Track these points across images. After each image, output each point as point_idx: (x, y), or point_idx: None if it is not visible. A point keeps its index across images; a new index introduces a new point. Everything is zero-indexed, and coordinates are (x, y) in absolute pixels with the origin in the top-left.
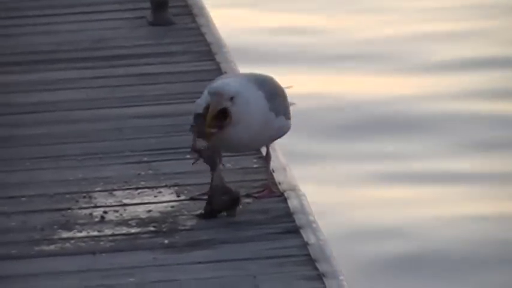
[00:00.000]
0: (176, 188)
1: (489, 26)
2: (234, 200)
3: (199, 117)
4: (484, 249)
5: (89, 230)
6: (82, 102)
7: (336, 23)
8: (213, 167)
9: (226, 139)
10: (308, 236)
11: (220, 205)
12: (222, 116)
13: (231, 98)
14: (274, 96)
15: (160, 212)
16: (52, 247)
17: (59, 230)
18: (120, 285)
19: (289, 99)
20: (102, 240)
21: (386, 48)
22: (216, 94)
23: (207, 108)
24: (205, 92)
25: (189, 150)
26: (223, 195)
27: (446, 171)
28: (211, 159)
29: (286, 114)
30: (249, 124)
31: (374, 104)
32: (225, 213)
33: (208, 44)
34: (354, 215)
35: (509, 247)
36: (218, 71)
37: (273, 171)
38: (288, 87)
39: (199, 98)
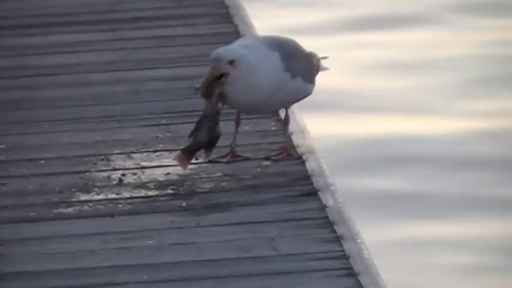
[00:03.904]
0: None
1: None
2: (212, 139)
3: (201, 120)
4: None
5: (107, 193)
6: (100, 64)
7: None
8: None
9: (235, 101)
10: (326, 199)
11: (202, 137)
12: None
13: (231, 62)
14: (292, 57)
15: (178, 174)
16: (70, 210)
17: (77, 193)
18: (138, 247)
19: (321, 65)
20: (121, 203)
21: None
22: (214, 59)
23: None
24: None
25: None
26: (209, 129)
27: None
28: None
29: (306, 77)
30: (256, 85)
31: None
32: (202, 154)
33: (226, 7)
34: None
35: None
36: (236, 34)
37: (292, 133)
38: (324, 58)
39: None
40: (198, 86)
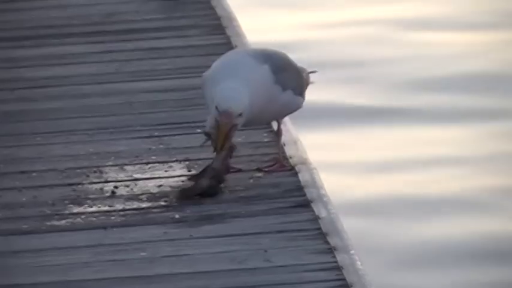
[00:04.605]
0: (187, 162)
1: None
2: (212, 191)
3: (208, 135)
4: None
5: (99, 205)
6: (92, 76)
7: None
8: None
9: None
10: (319, 210)
11: (202, 183)
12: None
13: (240, 114)
14: (281, 69)
15: (171, 186)
16: (63, 222)
17: (70, 205)
18: (131, 259)
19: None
20: (113, 215)
21: None
22: (225, 113)
23: (216, 127)
24: (212, 108)
25: (199, 125)
26: (212, 178)
27: None
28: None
29: (296, 90)
30: (252, 100)
31: None
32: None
33: (218, 18)
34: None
35: None
36: (228, 45)
37: (284, 144)
38: (312, 72)
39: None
40: (205, 130)
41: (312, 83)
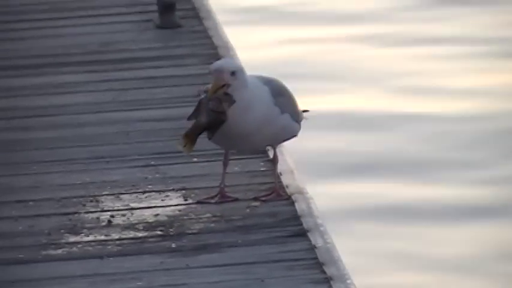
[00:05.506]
0: (183, 191)
1: None
2: (213, 122)
3: (200, 103)
4: None
5: (96, 234)
6: (89, 105)
7: None
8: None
9: (231, 123)
10: (316, 239)
11: (201, 119)
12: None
13: (233, 73)
14: (279, 93)
15: (167, 215)
16: (59, 251)
17: (66, 234)
18: None
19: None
20: (110, 245)
21: None
22: (216, 71)
23: (207, 91)
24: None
25: (196, 154)
26: (209, 111)
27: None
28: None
29: (294, 116)
30: (252, 107)
31: None
32: (205, 133)
33: (215, 47)
34: None
35: None
36: None
37: (281, 174)
38: (305, 111)
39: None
40: (201, 94)
41: (306, 119)
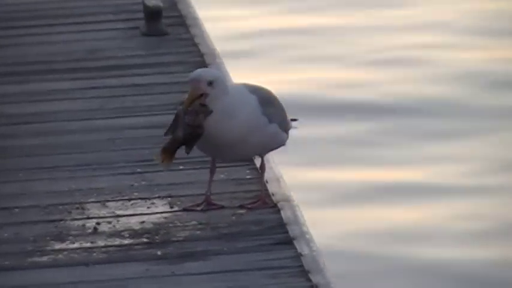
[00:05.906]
0: (169, 199)
1: None
2: (189, 136)
3: (177, 116)
4: None
5: (81, 242)
6: (75, 112)
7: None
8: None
9: (214, 132)
10: (301, 247)
11: (177, 134)
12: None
13: (210, 83)
14: (267, 103)
15: (153, 223)
16: (45, 258)
17: (52, 242)
18: None
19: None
20: (95, 252)
21: None
22: (193, 80)
23: (183, 102)
24: None
25: (182, 162)
26: (185, 125)
27: None
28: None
29: (282, 125)
30: (233, 111)
31: None
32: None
33: (201, 55)
34: None
35: None
36: None
37: (267, 182)
38: (293, 120)
39: None
40: (179, 106)
41: (295, 128)
